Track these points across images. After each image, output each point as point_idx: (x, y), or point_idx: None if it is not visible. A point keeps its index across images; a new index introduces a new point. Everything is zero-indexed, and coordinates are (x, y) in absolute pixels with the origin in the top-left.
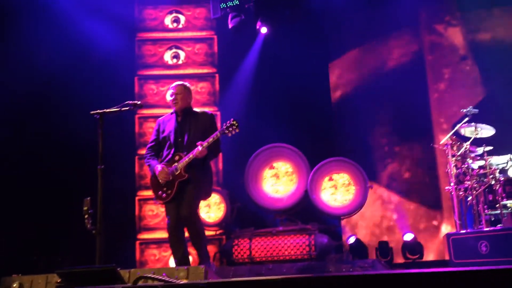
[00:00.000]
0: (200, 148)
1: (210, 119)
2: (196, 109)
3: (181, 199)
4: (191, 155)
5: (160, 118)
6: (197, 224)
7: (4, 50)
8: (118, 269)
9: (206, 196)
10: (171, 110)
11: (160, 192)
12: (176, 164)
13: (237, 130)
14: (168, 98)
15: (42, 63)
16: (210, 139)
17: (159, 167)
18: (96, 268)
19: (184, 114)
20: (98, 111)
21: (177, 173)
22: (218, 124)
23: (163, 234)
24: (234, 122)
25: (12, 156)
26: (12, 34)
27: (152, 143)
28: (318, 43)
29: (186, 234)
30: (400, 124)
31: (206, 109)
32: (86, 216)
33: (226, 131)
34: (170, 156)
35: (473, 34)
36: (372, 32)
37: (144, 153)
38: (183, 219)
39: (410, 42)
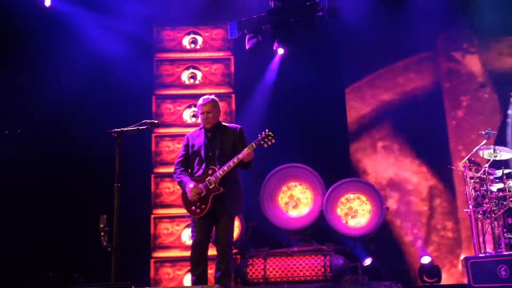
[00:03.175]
0: (245, 151)
1: (239, 132)
2: (225, 124)
3: (216, 219)
4: (231, 163)
5: (189, 133)
6: (230, 246)
7: (24, 69)
8: (133, 287)
9: (239, 212)
10: (188, 130)
11: (193, 208)
12: (209, 177)
13: (273, 141)
14: (186, 117)
15: (60, 82)
16: (253, 144)
17: (191, 184)
18: (111, 285)
19: (214, 129)
20: (115, 129)
21: (211, 187)
22: None
23: (178, 253)
24: (270, 133)
25: (29, 173)
26: (32, 54)
27: (181, 158)
28: (335, 65)
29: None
30: (417, 151)
31: (234, 124)
32: (102, 234)
33: (262, 142)
34: (201, 171)
35: (492, 61)
36: (389, 57)
37: (174, 169)
38: (219, 241)
39: (428, 68)
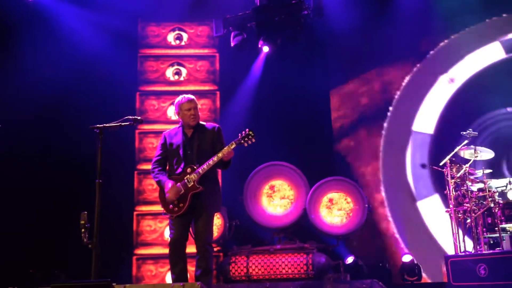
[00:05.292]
0: (225, 150)
1: (217, 131)
2: (202, 122)
3: (195, 216)
4: (211, 161)
5: (166, 131)
6: (209, 243)
7: (8, 64)
8: (113, 284)
9: (218, 209)
10: (172, 126)
11: (171, 206)
12: (188, 176)
13: (253, 140)
14: (170, 113)
15: (44, 77)
16: (234, 143)
17: (169, 184)
18: (91, 283)
19: (193, 128)
20: (98, 125)
21: (190, 185)
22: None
23: (160, 250)
24: (251, 132)
25: (11, 169)
26: (15, 48)
27: (159, 157)
28: (320, 65)
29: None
30: (398, 152)
31: (211, 123)
32: (83, 230)
33: (242, 141)
34: (180, 170)
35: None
36: (374, 58)
37: (151, 168)
38: (198, 238)
39: (411, 71)
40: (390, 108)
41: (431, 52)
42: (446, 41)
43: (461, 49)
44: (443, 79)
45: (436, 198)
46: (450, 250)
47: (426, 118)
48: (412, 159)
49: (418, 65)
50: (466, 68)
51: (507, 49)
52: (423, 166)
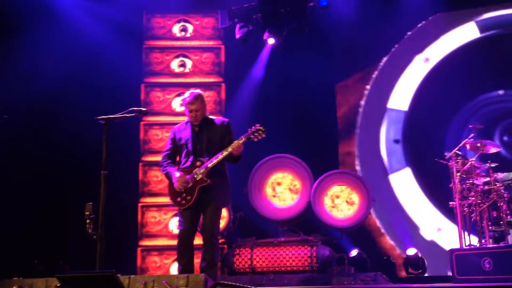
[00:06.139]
0: (235, 144)
1: (227, 126)
2: (212, 117)
3: (203, 209)
4: (220, 155)
5: (175, 126)
6: (215, 236)
7: (14, 55)
8: (118, 275)
9: (227, 204)
10: (177, 118)
11: (179, 199)
12: (197, 169)
13: (263, 135)
14: (175, 105)
15: (50, 69)
16: (243, 137)
17: (177, 174)
18: (96, 273)
19: (201, 123)
20: (103, 116)
21: (198, 178)
22: None
23: (165, 242)
24: (261, 128)
25: (16, 160)
26: (21, 40)
27: (168, 152)
28: (325, 58)
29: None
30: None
31: (221, 117)
32: (87, 221)
33: (252, 136)
34: (189, 163)
35: None
36: (380, 53)
37: (160, 161)
38: (205, 231)
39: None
40: (367, 87)
41: (409, 33)
42: (423, 22)
43: (437, 30)
44: (418, 59)
45: (407, 172)
46: (417, 220)
47: (401, 96)
48: (387, 134)
49: (396, 45)
50: (440, 48)
51: (482, 29)
52: (396, 141)
